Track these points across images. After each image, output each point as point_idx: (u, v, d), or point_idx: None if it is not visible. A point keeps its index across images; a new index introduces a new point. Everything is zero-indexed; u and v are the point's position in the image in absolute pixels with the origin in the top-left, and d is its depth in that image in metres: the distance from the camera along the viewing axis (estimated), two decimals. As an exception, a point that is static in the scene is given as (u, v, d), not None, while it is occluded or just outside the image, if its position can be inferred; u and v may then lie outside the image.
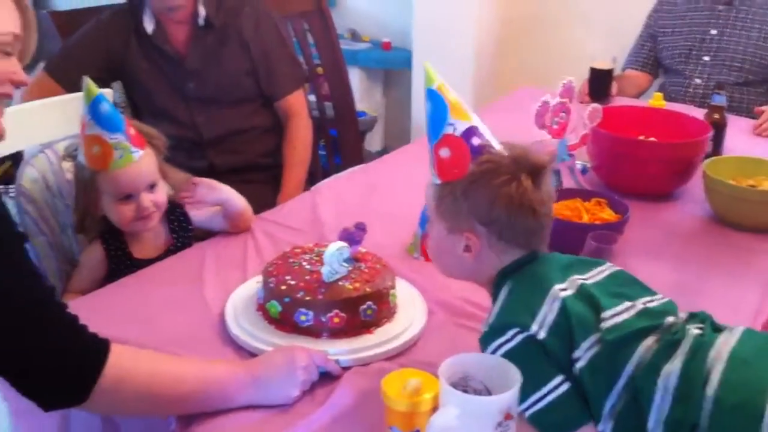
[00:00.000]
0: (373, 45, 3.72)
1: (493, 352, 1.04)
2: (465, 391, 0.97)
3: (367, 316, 1.25)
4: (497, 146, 1.12)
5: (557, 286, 1.05)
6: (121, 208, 1.47)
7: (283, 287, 1.26)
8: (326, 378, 1.17)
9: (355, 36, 3.74)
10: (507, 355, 1.02)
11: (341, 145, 2.90)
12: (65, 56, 2.09)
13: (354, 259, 1.31)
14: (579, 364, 1.01)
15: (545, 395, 1.01)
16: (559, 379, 1.01)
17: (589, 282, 1.08)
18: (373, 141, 3.79)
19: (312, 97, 2.64)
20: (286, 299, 1.24)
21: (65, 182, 1.59)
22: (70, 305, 1.36)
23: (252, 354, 1.22)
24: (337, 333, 1.24)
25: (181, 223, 1.57)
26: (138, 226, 1.50)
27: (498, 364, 1.00)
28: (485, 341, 1.06)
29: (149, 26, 2.07)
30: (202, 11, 2.08)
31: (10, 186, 1.93)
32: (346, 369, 1.19)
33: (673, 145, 1.87)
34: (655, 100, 2.42)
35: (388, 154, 2.67)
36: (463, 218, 1.10)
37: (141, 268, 1.49)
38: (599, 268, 1.13)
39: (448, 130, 1.12)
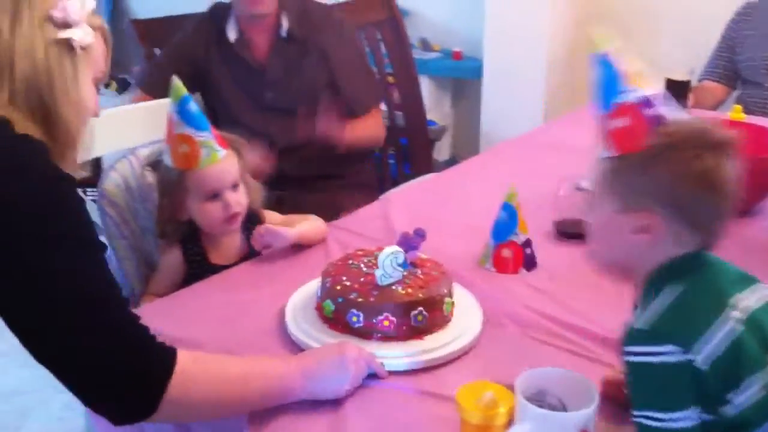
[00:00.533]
0: (444, 54, 3.75)
1: (635, 356, 0.94)
2: (541, 407, 0.96)
3: (417, 322, 1.28)
4: (677, 117, 1.01)
5: (731, 310, 0.94)
6: (208, 207, 1.52)
7: (338, 287, 1.29)
8: (372, 380, 1.21)
9: (425, 45, 3.77)
10: (648, 367, 0.93)
11: (411, 153, 2.94)
12: (156, 71, 2.17)
13: (411, 265, 1.33)
14: (733, 407, 0.91)
15: (667, 420, 0.92)
16: (691, 411, 0.91)
17: (754, 307, 0.96)
18: (442, 150, 3.80)
19: (383, 106, 2.67)
20: (340, 299, 1.28)
21: (146, 187, 1.67)
22: (148, 307, 1.47)
23: (304, 350, 1.26)
24: (388, 337, 1.27)
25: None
26: (224, 227, 1.56)
27: (576, 380, 1.00)
28: (630, 340, 0.94)
29: (232, 34, 2.13)
30: (285, 23, 2.13)
31: (88, 189, 2.02)
32: (393, 373, 1.22)
33: (756, 159, 1.82)
34: (735, 112, 2.35)
35: (457, 163, 2.69)
36: (640, 196, 0.98)
37: (217, 273, 1.55)
38: (755, 287, 1.00)
39: (622, 98, 1.04)
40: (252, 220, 1.62)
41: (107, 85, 5.39)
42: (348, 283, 1.30)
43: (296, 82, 2.13)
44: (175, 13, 2.44)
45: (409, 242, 1.32)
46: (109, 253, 1.57)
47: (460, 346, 1.28)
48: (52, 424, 2.20)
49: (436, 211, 1.85)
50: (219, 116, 2.21)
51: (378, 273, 1.28)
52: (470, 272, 1.55)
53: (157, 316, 1.37)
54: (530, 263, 1.58)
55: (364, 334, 1.27)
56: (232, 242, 1.60)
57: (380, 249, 1.36)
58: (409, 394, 1.19)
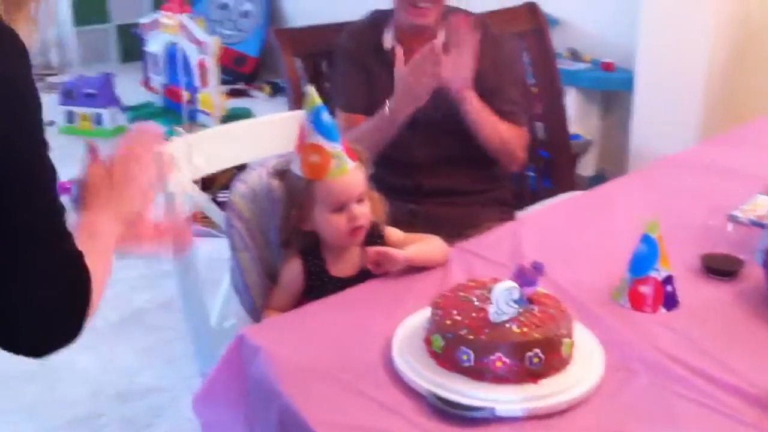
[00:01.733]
0: (594, 65, 3.57)
1: None
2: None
3: (533, 364, 1.18)
4: None
5: None
6: (334, 219, 1.51)
7: (448, 322, 1.22)
8: (479, 424, 1.12)
9: (575, 55, 3.61)
10: None
11: (552, 168, 2.79)
12: (346, 90, 2.13)
13: (528, 301, 1.23)
14: None
15: None
16: None
17: None
18: (587, 165, 3.63)
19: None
20: (449, 335, 1.21)
21: (273, 199, 1.67)
22: (268, 323, 1.50)
23: (411, 388, 1.19)
24: (500, 378, 1.18)
25: (377, 245, 1.58)
26: (348, 240, 1.54)
27: None
28: None
29: (388, 42, 2.09)
30: (441, 36, 2.04)
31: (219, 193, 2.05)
32: (504, 419, 1.13)
33: None
34: None
35: (603, 182, 2.53)
36: None
37: (336, 286, 1.53)
38: None
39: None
40: (373, 234, 1.58)
41: (261, 89, 5.58)
42: (459, 318, 1.22)
43: (445, 97, 2.02)
44: (326, 21, 2.43)
45: (526, 277, 1.22)
46: (233, 264, 1.59)
47: (579, 393, 1.17)
48: (183, 425, 2.25)
49: (572, 236, 1.73)
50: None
51: (491, 309, 1.20)
52: (601, 307, 1.43)
53: (276, 333, 1.38)
54: (671, 302, 1.43)
55: (475, 373, 1.19)
56: (352, 255, 1.57)
57: (495, 281, 1.27)
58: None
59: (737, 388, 1.20)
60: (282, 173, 1.58)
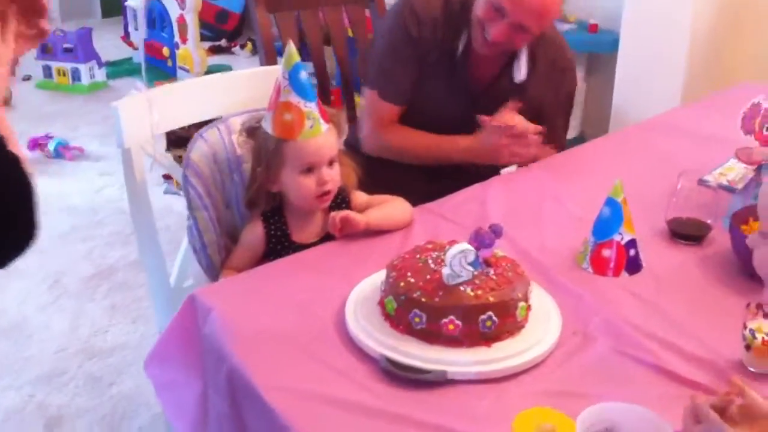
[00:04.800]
0: (579, 26, 3.51)
1: None
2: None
3: (486, 328, 1.16)
4: None
5: None
6: (302, 181, 1.47)
7: (402, 284, 1.20)
8: (432, 387, 1.10)
9: (560, 16, 3.54)
10: None
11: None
12: (393, 77, 1.91)
13: (484, 263, 1.21)
14: None
15: None
16: None
17: None
18: (571, 127, 3.57)
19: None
20: (402, 297, 1.19)
21: (235, 157, 1.62)
22: (225, 282, 1.47)
23: (364, 352, 1.18)
24: (452, 341, 1.16)
25: (341, 210, 1.54)
26: (315, 203, 1.50)
27: (649, 418, 0.87)
28: None
29: (460, 44, 1.86)
30: (522, 69, 1.88)
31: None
32: (456, 382, 1.12)
33: None
34: None
35: (583, 142, 2.50)
36: None
37: (297, 251, 1.50)
38: None
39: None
40: (338, 198, 1.55)
41: (243, 46, 5.49)
42: (412, 280, 1.19)
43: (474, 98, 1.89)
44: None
45: (483, 239, 1.19)
46: (190, 223, 1.55)
47: (532, 357, 1.15)
48: (147, 382, 2.23)
49: (540, 199, 1.70)
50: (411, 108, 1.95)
51: (445, 272, 1.17)
52: (564, 271, 1.41)
53: (230, 294, 1.35)
54: (634, 266, 1.41)
55: (427, 336, 1.17)
56: (316, 220, 1.54)
57: (452, 244, 1.24)
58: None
59: (693, 354, 1.19)
60: (251, 130, 1.53)
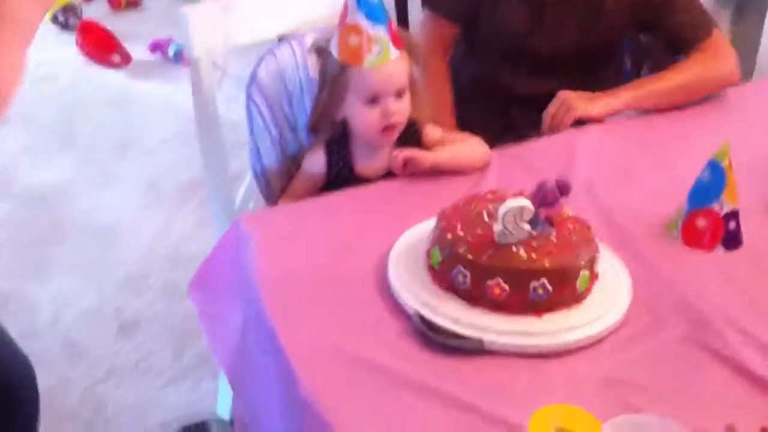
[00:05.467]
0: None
1: None
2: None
3: (537, 296, 1.02)
4: None
5: None
6: (366, 112, 1.35)
7: (449, 236, 1.07)
8: (468, 355, 0.99)
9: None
10: None
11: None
12: None
13: (548, 223, 1.06)
14: None
15: None
16: None
17: None
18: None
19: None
20: (447, 250, 1.06)
21: (307, 78, 1.51)
22: (277, 210, 1.41)
23: (399, 306, 1.06)
24: (497, 306, 1.03)
25: (411, 146, 1.43)
26: (379, 138, 1.38)
27: None
28: None
29: None
30: None
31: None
32: (494, 353, 0.99)
33: None
34: None
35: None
36: None
37: (359, 184, 1.40)
38: None
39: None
40: (409, 132, 1.42)
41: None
42: (461, 233, 1.06)
43: (585, 25, 1.64)
44: None
45: (545, 196, 1.04)
46: (251, 145, 1.47)
47: (585, 335, 1.01)
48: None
49: (639, 154, 1.50)
50: (474, 45, 1.77)
51: (496, 228, 1.03)
52: (648, 239, 1.24)
53: (274, 224, 1.28)
54: (732, 241, 1.22)
55: (470, 297, 1.05)
56: (383, 153, 1.42)
57: (515, 196, 1.10)
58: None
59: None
60: (320, 50, 1.41)
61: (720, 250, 1.22)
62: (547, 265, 1.02)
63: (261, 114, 1.46)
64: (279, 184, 1.49)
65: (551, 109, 1.59)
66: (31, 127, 3.17)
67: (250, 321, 1.19)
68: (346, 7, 1.32)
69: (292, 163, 1.52)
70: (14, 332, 2.04)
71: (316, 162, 1.43)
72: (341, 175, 1.42)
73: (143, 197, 2.74)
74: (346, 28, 1.32)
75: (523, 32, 1.66)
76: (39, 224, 2.60)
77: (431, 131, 1.45)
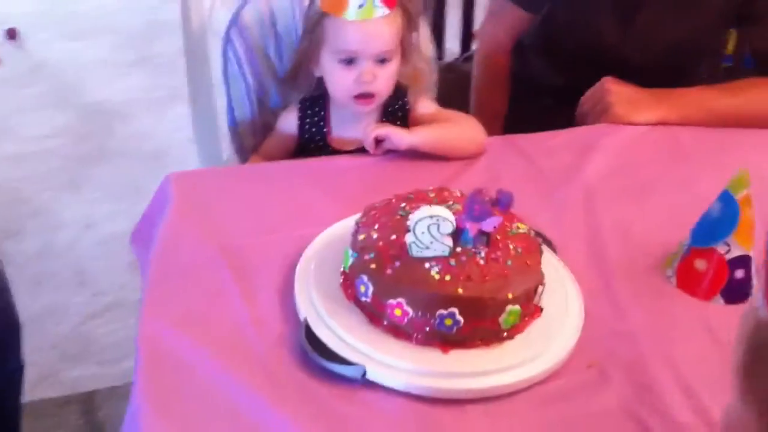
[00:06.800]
0: None
1: None
2: None
3: (444, 327, 0.84)
4: None
5: None
6: (340, 72, 1.19)
7: (362, 236, 0.89)
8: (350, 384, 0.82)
9: None
10: None
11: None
12: None
13: (483, 239, 0.87)
14: None
15: None
16: None
17: None
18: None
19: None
20: (354, 254, 0.88)
21: (295, 25, 1.34)
22: (197, 171, 1.23)
23: (294, 306, 0.91)
24: (398, 331, 0.85)
25: (397, 120, 1.25)
26: (353, 104, 1.21)
27: None
28: None
29: None
30: None
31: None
32: (378, 387, 0.83)
33: None
34: None
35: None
36: None
37: (331, 153, 1.25)
38: None
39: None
40: (397, 105, 1.25)
41: None
42: (374, 236, 0.88)
43: (681, 20, 1.41)
44: None
45: (481, 208, 0.84)
46: (226, 96, 1.33)
47: (491, 384, 0.82)
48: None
49: (660, 170, 1.23)
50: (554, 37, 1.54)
51: (408, 239, 0.84)
52: (634, 276, 1.01)
53: (198, 188, 1.14)
54: (736, 293, 0.98)
55: (371, 314, 0.87)
56: (361, 123, 1.24)
57: (458, 200, 0.91)
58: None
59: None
60: None
61: (719, 302, 0.98)
62: (460, 291, 0.82)
63: (238, 59, 1.31)
64: (252, 139, 1.35)
65: (588, 101, 1.37)
66: (114, 41, 3.17)
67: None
68: None
69: (273, 118, 1.36)
70: (33, 247, 2.03)
71: (288, 121, 1.28)
72: (313, 140, 1.27)
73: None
74: None
75: (610, 40, 1.43)
76: (90, 140, 2.59)
77: (422, 105, 1.26)
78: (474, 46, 1.80)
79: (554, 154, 1.24)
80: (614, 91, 1.33)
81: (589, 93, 1.37)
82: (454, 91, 1.59)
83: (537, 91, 1.59)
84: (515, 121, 1.52)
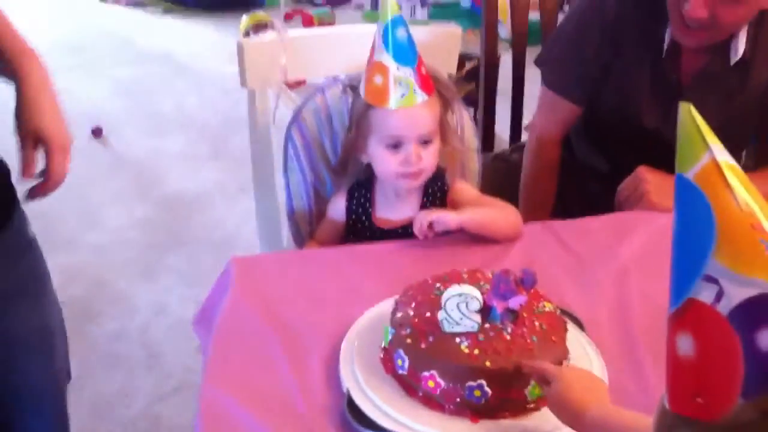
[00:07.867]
0: None
1: None
2: None
3: (474, 398, 0.90)
4: None
5: None
6: (388, 156, 1.29)
7: (400, 314, 0.98)
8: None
9: None
10: None
11: None
12: (563, 64, 1.59)
13: (508, 316, 0.94)
14: None
15: None
16: None
17: None
18: None
19: None
20: (392, 330, 0.96)
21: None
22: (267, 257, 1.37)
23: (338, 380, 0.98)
24: (431, 401, 0.92)
25: (437, 199, 1.34)
26: (401, 181, 1.31)
27: None
28: None
29: (666, 36, 1.48)
30: (740, 46, 1.43)
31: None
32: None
33: None
34: None
35: None
36: None
37: (376, 234, 1.35)
38: None
39: (703, 293, 0.49)
40: (436, 183, 1.34)
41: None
42: (411, 314, 0.97)
43: (726, 104, 1.47)
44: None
45: (506, 287, 0.92)
46: (285, 185, 1.45)
47: (520, 456, 0.88)
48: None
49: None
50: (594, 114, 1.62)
51: (440, 315, 0.92)
52: (660, 350, 1.03)
53: (257, 273, 1.23)
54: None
55: (407, 386, 0.95)
56: (405, 205, 1.34)
57: (489, 279, 0.98)
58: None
59: None
60: (352, 88, 1.37)
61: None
62: (487, 364, 0.89)
63: (297, 154, 1.44)
64: (309, 227, 1.46)
65: (625, 189, 1.44)
66: (191, 137, 3.39)
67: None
68: (373, 45, 1.27)
69: (324, 205, 1.47)
70: (109, 330, 2.13)
71: (336, 207, 1.39)
72: (360, 221, 1.37)
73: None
74: (372, 66, 1.27)
75: (652, 124, 1.51)
76: (166, 230, 2.76)
77: (463, 189, 1.35)
78: (524, 137, 1.89)
79: (590, 238, 1.31)
80: (649, 179, 1.40)
81: (625, 182, 1.44)
82: (503, 180, 1.68)
83: (583, 177, 1.67)
84: (562, 208, 1.59)
